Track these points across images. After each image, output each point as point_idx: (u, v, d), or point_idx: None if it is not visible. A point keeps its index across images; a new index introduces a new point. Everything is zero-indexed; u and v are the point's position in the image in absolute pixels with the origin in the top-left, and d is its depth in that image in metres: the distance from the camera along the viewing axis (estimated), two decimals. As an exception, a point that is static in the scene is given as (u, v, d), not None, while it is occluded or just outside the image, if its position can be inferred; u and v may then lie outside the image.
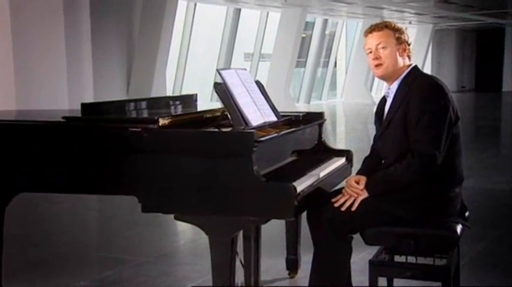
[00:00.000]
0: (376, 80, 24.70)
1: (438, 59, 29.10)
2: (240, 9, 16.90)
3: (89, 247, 4.81)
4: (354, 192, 2.98)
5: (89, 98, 8.36)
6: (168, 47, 11.52)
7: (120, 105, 3.21)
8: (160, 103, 3.38)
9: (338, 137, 11.61)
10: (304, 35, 19.35)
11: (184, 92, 13.03)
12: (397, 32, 3.06)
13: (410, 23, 22.77)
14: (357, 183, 3.01)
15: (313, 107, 19.90)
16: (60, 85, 8.19)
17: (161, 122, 2.79)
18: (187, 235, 4.81)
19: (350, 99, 21.43)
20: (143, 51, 10.97)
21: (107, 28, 9.90)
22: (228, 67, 16.23)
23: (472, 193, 5.57)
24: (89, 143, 2.86)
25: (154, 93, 10.92)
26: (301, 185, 2.92)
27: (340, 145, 10.27)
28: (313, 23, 21.12)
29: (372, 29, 3.09)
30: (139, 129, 2.73)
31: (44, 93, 8.16)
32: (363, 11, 19.28)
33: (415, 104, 2.90)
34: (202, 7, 15.78)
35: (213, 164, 2.71)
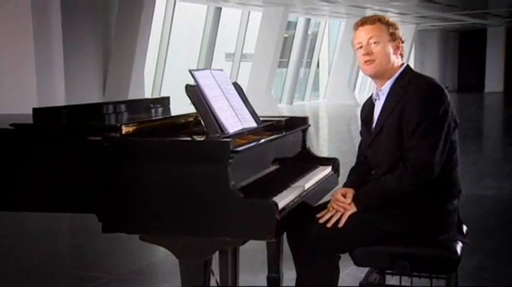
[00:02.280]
0: (359, 80, 24.56)
1: (421, 60, 29.01)
2: (220, 8, 16.58)
3: (55, 264, 4.43)
4: (341, 206, 2.68)
5: (61, 101, 7.99)
6: (146, 46, 11.13)
7: (80, 110, 2.86)
8: (127, 107, 3.04)
9: (321, 139, 11.32)
10: (286, 35, 19.07)
11: (163, 94, 12.70)
12: (391, 27, 2.76)
13: (393, 23, 22.55)
14: (344, 196, 2.71)
15: (296, 107, 19.64)
16: (29, 88, 7.80)
17: (124, 129, 2.46)
18: (162, 250, 4.46)
19: (333, 100, 21.21)
20: (120, 51, 10.57)
21: (81, 28, 9.49)
22: (208, 67, 15.96)
23: (461, 200, 5.28)
24: (40, 155, 2.51)
25: (132, 96, 10.54)
26: (284, 200, 2.61)
27: (323, 148, 9.99)
28: (296, 23, 20.87)
29: (363, 22, 2.78)
30: (99, 138, 2.40)
31: (11, 96, 7.76)
32: (346, 11, 19.06)
33: (413, 109, 2.60)
34: (182, 5, 15.42)
35: (183, 178, 2.39)
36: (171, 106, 3.52)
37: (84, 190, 2.44)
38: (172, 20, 14.93)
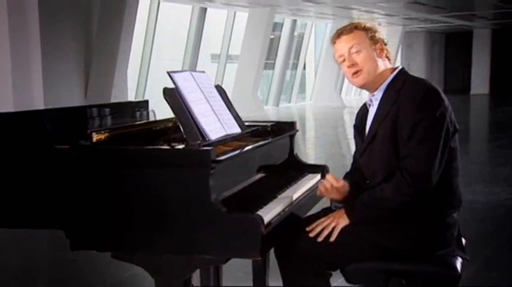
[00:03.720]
0: (346, 82, 24.41)
1: (408, 61, 28.96)
2: (206, 9, 16.35)
3: (24, 277, 4.17)
4: (327, 187, 2.56)
5: (39, 104, 7.71)
6: (129, 47, 10.85)
7: (48, 115, 2.63)
8: (100, 112, 2.81)
9: (308, 142, 11.13)
10: (272, 36, 18.89)
11: (148, 97, 12.46)
12: (369, 31, 2.57)
13: (380, 24, 22.49)
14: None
15: (282, 109, 19.46)
16: (4, 90, 7.51)
17: (95, 137, 2.25)
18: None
19: (320, 102, 21.06)
20: (102, 52, 10.28)
21: (61, 28, 9.20)
22: (193, 69, 15.71)
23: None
24: (0, 164, 2.28)
25: (115, 98, 10.25)
26: (270, 213, 2.41)
27: (310, 151, 9.80)
28: (282, 24, 20.69)
29: (339, 33, 2.59)
30: (66, 147, 2.18)
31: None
32: (332, 12, 18.91)
33: (407, 114, 2.40)
34: (166, 6, 15.18)
35: (159, 190, 2.18)
36: (156, 111, 3.30)
37: (49, 204, 2.22)
38: (156, 20, 14.67)
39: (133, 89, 13.77)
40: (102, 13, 10.28)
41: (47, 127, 2.47)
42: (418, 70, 28.84)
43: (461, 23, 23.96)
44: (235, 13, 17.72)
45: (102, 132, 2.28)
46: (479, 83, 27.91)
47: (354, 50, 2.52)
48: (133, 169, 2.20)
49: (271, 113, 17.63)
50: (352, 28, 2.56)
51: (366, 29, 2.56)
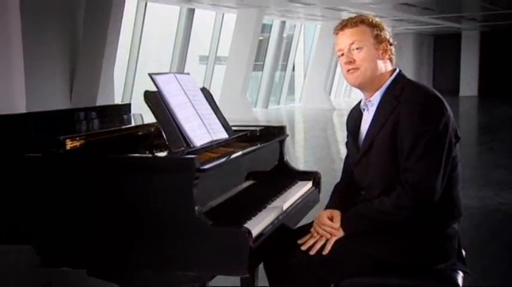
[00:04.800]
0: (336, 84, 24.33)
1: (396, 63, 28.88)
2: (193, 10, 16.16)
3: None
4: (328, 232, 2.32)
5: (20, 108, 7.48)
6: (115, 49, 10.61)
7: (20, 120, 2.45)
8: (78, 116, 2.64)
9: (297, 144, 10.98)
10: (261, 38, 18.74)
11: (135, 100, 12.25)
12: (375, 29, 2.41)
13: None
14: (331, 220, 2.35)
15: (271, 111, 19.31)
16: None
17: (69, 144, 2.07)
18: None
19: (309, 104, 20.92)
20: (87, 53, 10.03)
21: (44, 28, 8.94)
22: (182, 71, 15.52)
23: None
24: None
25: (101, 100, 10.02)
26: (259, 225, 2.26)
27: (299, 154, 9.64)
28: (271, 26, 20.54)
29: (343, 25, 2.42)
30: (38, 155, 2.00)
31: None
32: (321, 13, 18.78)
33: (408, 125, 2.24)
34: (153, 6, 14.97)
35: (138, 201, 2.01)
36: (144, 115, 3.12)
37: (17, 217, 2.05)
38: (143, 21, 14.46)
39: (120, 91, 13.53)
40: (88, 13, 10.04)
41: (16, 133, 2.29)
42: (406, 72, 28.53)
43: (450, 24, 23.92)
44: (223, 14, 17.55)
45: (77, 138, 2.11)
46: (468, 85, 27.91)
47: (354, 46, 2.36)
48: (109, 179, 2.03)
49: (260, 115, 17.47)
50: (358, 22, 2.40)
51: (372, 25, 2.40)
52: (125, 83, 14.19)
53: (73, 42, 10.00)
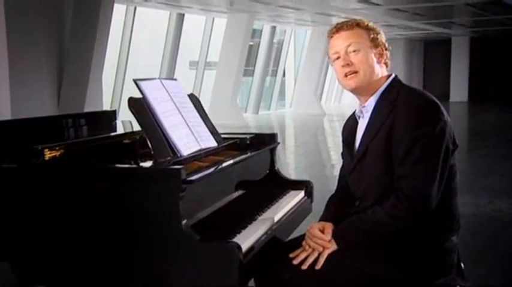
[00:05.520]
0: (326, 89, 24.28)
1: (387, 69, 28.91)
2: (183, 15, 16.04)
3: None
4: (319, 244, 2.21)
5: (5, 115, 7.32)
6: (103, 54, 10.44)
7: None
8: (58, 123, 2.51)
9: (288, 150, 10.87)
10: (252, 43, 18.65)
11: (124, 106, 12.07)
12: (372, 32, 2.31)
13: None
14: (322, 232, 2.24)
15: (262, 117, 19.21)
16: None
17: (48, 154, 1.95)
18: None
19: (299, 109, 20.84)
20: (75, 59, 9.86)
21: (30, 32, 8.77)
22: (172, 76, 15.39)
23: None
24: None
25: (89, 107, 9.83)
26: (250, 238, 2.16)
27: (290, 160, 9.53)
28: (261, 31, 20.47)
29: (339, 28, 2.33)
30: (13, 166, 1.88)
31: None
32: (312, 19, 18.73)
33: (403, 130, 2.15)
34: (142, 11, 14.84)
35: (122, 215, 1.89)
36: (134, 122, 2.99)
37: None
38: (132, 26, 14.33)
39: (108, 97, 13.36)
40: (76, 17, 9.87)
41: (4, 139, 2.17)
42: (397, 77, 28.81)
43: (440, 30, 23.96)
44: (213, 19, 17.45)
45: (57, 148, 1.99)
46: (458, 90, 27.94)
47: (351, 48, 2.27)
48: (89, 192, 1.92)
49: (250, 120, 17.36)
50: (354, 24, 2.30)
51: (368, 29, 2.30)
52: (114, 89, 14.02)
53: (60, 47, 9.85)
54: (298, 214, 2.76)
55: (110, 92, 13.82)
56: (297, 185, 2.97)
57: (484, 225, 5.30)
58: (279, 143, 3.05)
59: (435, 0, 14.19)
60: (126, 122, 3.02)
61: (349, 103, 22.69)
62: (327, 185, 7.43)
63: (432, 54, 31.02)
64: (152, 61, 16.19)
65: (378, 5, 15.30)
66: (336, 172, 8.78)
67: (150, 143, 2.15)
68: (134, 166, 2.12)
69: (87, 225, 1.89)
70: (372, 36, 2.31)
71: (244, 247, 2.04)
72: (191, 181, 1.97)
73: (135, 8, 14.27)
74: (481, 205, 6.02)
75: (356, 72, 2.26)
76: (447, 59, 28.88)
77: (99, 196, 1.91)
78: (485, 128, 15.04)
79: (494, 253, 4.55)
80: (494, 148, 10.92)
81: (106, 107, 11.87)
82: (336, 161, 9.78)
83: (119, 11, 12.56)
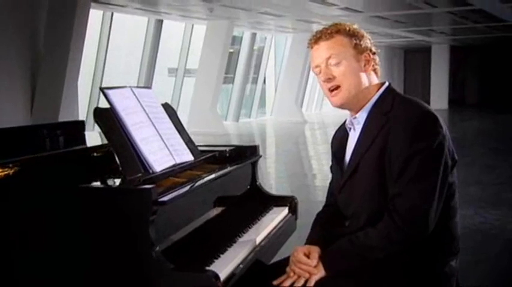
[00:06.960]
0: (307, 96, 24.14)
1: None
2: (162, 21, 15.81)
3: None
4: (304, 270, 2.00)
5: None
6: (78, 61, 10.13)
7: None
8: (17, 135, 2.28)
9: (269, 159, 10.66)
10: (232, 50, 18.46)
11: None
12: (353, 38, 2.10)
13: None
14: (307, 257, 2.03)
15: (242, 125, 19.01)
16: None
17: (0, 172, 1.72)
18: None
19: (280, 117, 20.67)
20: (49, 67, 9.55)
21: (3, 38, 8.51)
22: (150, 84, 15.12)
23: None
24: None
25: (64, 116, 9.54)
26: (230, 264, 1.94)
27: (271, 170, 9.33)
28: (241, 38, 20.30)
29: (317, 37, 2.11)
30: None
31: None
32: (292, 25, 18.61)
33: (399, 144, 1.95)
34: (120, 17, 14.57)
35: (85, 241, 1.67)
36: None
37: None
38: (109, 32, 14.04)
39: (84, 106, 13.03)
40: (50, 22, 9.58)
41: None
42: (377, 85, 28.83)
43: (420, 38, 24.00)
44: (192, 26, 17.23)
45: (11, 164, 1.75)
46: (438, 98, 27.96)
47: (332, 61, 2.06)
48: (47, 215, 1.69)
49: (230, 128, 17.14)
50: (333, 32, 2.09)
51: (350, 35, 2.09)
52: (90, 98, 13.68)
53: (34, 55, 9.55)
54: (283, 233, 2.56)
55: (87, 101, 13.48)
56: (280, 201, 2.77)
57: (471, 239, 5.11)
58: (260, 156, 2.84)
59: (416, 7, 14.12)
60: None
61: (331, 111, 22.55)
62: (309, 194, 7.22)
63: (412, 62, 31.13)
64: (130, 68, 15.92)
65: (359, 12, 15.21)
66: (318, 181, 8.53)
67: (118, 158, 1.92)
68: (98, 185, 1.89)
69: (46, 253, 1.67)
70: (354, 42, 2.09)
71: (224, 274, 1.83)
72: (163, 202, 1.75)
73: (112, 14, 13.99)
74: (467, 217, 5.84)
75: (339, 87, 2.06)
76: (427, 67, 28.96)
77: (57, 220, 1.69)
78: (466, 137, 14.96)
79: (483, 266, 4.38)
80: (477, 157, 10.81)
81: (82, 117, 11.57)
82: (318, 170, 9.59)
83: (95, 16, 12.29)
